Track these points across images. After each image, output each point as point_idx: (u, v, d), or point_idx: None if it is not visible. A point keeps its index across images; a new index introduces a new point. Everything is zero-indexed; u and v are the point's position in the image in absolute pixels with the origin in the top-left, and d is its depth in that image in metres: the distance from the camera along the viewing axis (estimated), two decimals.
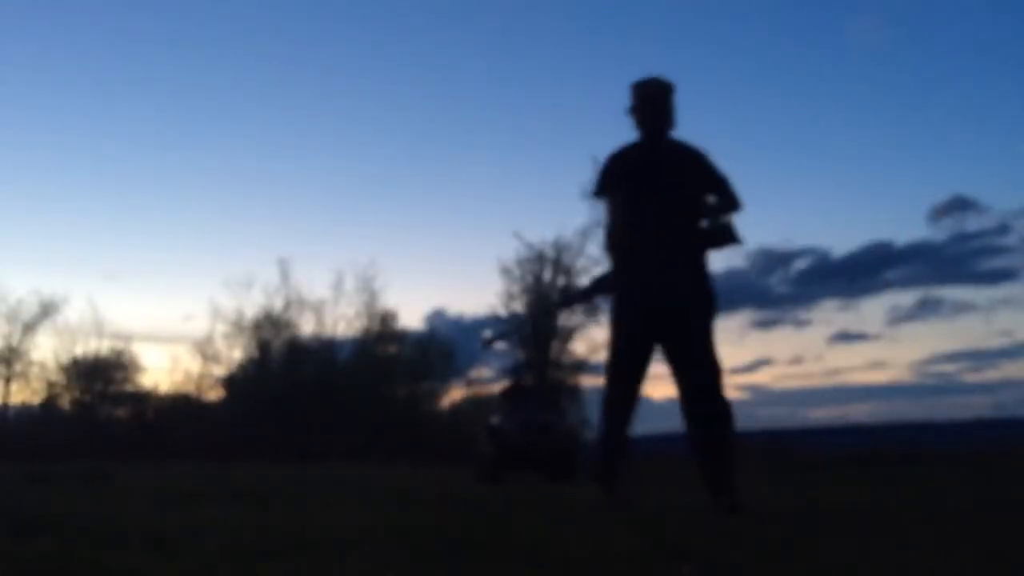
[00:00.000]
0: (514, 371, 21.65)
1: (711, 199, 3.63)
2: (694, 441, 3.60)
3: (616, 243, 3.70)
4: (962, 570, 1.90)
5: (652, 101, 3.69)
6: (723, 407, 3.56)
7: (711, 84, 43.46)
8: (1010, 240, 46.63)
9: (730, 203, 3.62)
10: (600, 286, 4.03)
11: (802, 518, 3.14)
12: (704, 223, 3.61)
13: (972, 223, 47.68)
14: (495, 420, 10.64)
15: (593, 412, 21.31)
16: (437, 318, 29.44)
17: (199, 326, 43.75)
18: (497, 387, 24.88)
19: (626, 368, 3.67)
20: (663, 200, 3.58)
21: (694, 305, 3.56)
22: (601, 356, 21.44)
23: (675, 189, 3.60)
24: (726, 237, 3.57)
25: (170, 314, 43.32)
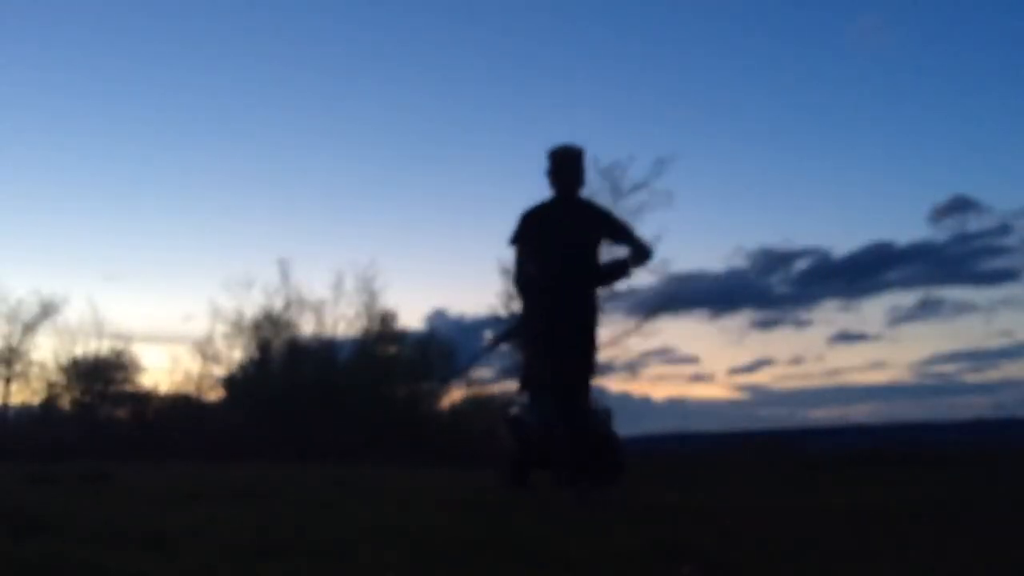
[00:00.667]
0: (515, 370, 21.42)
1: (624, 249, 4.42)
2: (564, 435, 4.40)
3: (525, 285, 4.52)
4: (962, 570, 1.90)
5: (565, 165, 4.44)
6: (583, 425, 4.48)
7: (713, 84, 43.46)
8: (1011, 240, 46.57)
9: (642, 251, 4.40)
10: (520, 325, 4.79)
11: (802, 518, 3.14)
12: (603, 261, 4.47)
13: (973, 223, 47.59)
14: (516, 410, 9.20)
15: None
16: (438, 318, 29.45)
17: (199, 326, 43.77)
18: (496, 388, 24.87)
19: (539, 384, 4.54)
20: (572, 249, 4.36)
21: (585, 351, 4.42)
22: (599, 356, 21.46)
23: (583, 240, 4.39)
24: (621, 271, 4.44)
25: (170, 314, 43.23)
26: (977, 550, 2.17)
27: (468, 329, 26.62)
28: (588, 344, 4.45)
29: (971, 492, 4.90)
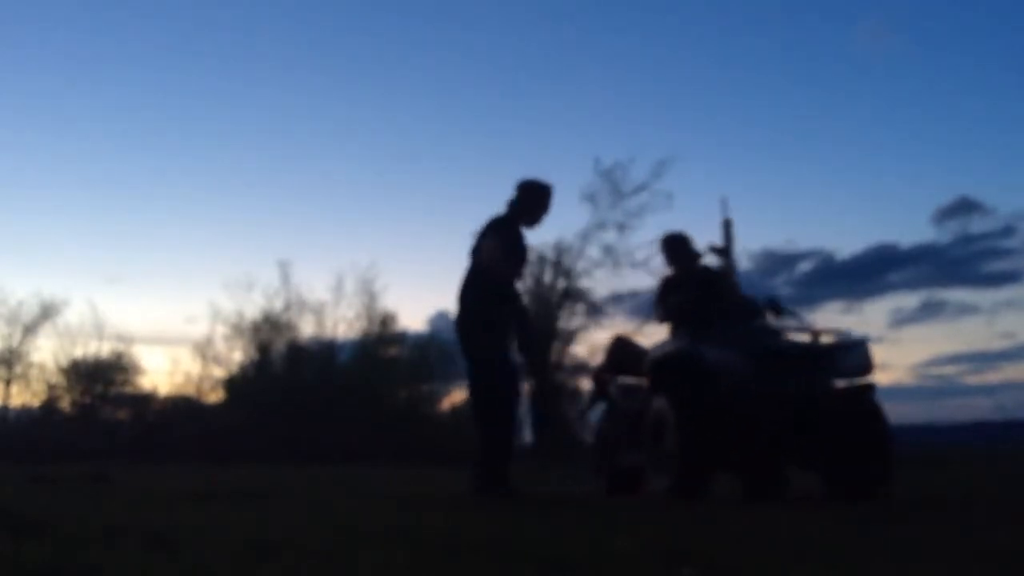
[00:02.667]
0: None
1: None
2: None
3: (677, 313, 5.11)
4: (963, 570, 1.89)
5: (685, 249, 5.37)
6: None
7: (716, 87, 43.49)
8: (1014, 242, 46.46)
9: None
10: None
11: (803, 519, 3.14)
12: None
13: (977, 225, 47.46)
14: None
15: (595, 416, 21.25)
16: (440, 320, 29.43)
17: (201, 328, 43.81)
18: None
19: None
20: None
21: None
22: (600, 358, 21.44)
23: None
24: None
25: (171, 316, 43.26)
26: (978, 551, 2.17)
27: None
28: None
29: (972, 493, 4.90)
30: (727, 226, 5.23)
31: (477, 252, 4.78)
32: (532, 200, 4.82)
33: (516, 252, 4.78)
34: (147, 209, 40.98)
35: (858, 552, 2.20)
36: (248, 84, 40.38)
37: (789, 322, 4.96)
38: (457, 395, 25.12)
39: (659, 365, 4.79)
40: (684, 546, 2.20)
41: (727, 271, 5.24)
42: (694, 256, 5.35)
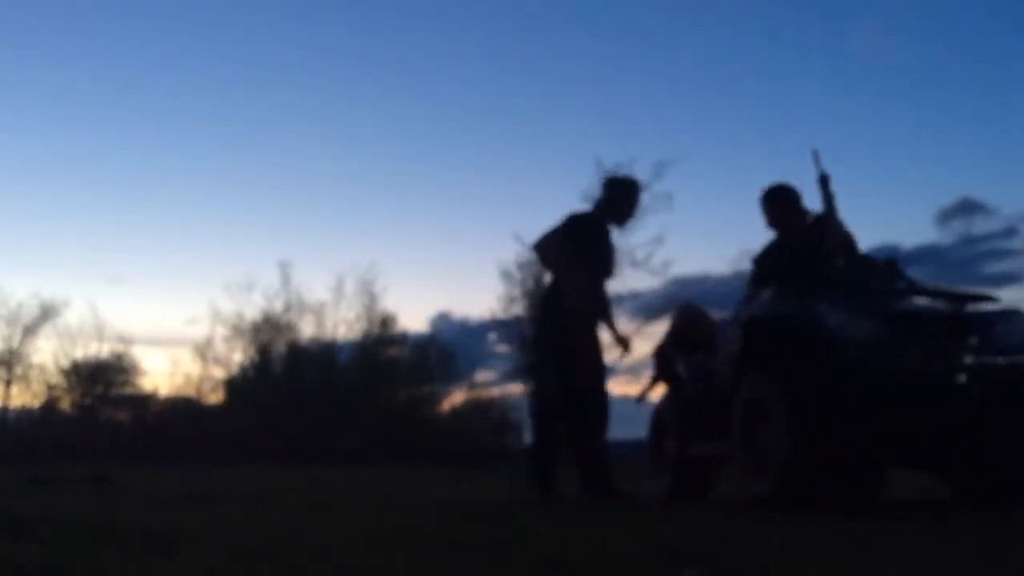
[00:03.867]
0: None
1: None
2: None
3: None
4: (963, 570, 1.89)
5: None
6: None
7: (715, 88, 43.49)
8: (1017, 243, 46.34)
9: None
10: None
11: (804, 520, 3.13)
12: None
13: (980, 226, 47.22)
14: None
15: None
16: (442, 321, 29.46)
17: (202, 329, 43.80)
18: (497, 391, 24.72)
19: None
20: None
21: None
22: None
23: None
24: None
25: (171, 317, 43.27)
26: (978, 551, 2.17)
27: (472, 332, 26.66)
28: None
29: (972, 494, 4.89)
30: (824, 182, 4.20)
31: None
32: (618, 197, 4.65)
33: (595, 250, 4.54)
34: (147, 210, 41.00)
35: (859, 553, 2.19)
36: (248, 84, 40.42)
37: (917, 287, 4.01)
38: (457, 396, 25.11)
39: (757, 330, 3.77)
40: (686, 546, 2.20)
41: (836, 230, 4.21)
42: (804, 215, 4.34)
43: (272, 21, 40.63)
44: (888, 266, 4.13)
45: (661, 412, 4.92)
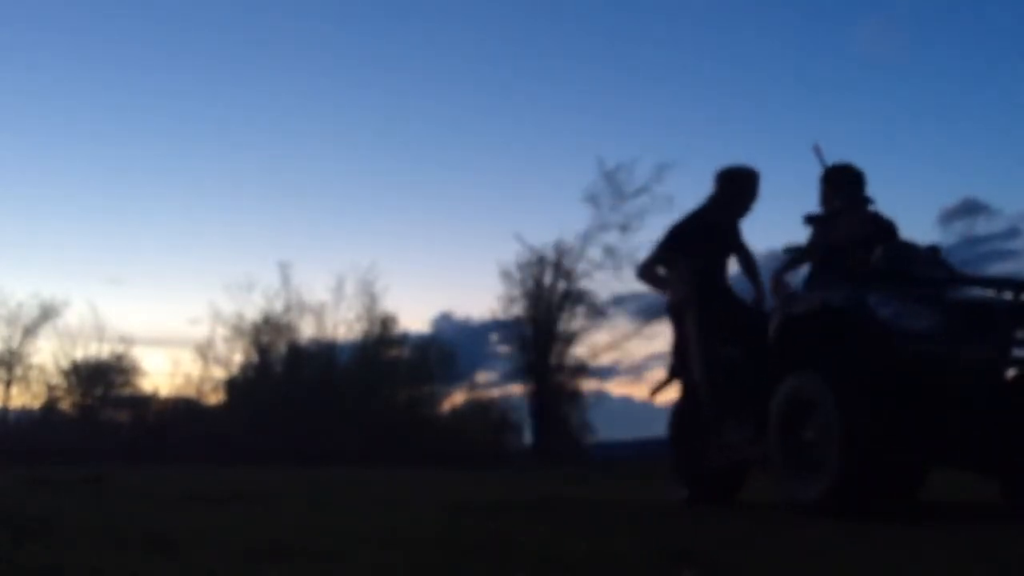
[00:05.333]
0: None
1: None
2: None
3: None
4: (963, 571, 1.89)
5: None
6: None
7: (715, 89, 43.46)
8: (1019, 244, 46.21)
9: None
10: None
11: (804, 520, 3.13)
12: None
13: (982, 227, 46.97)
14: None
15: (595, 417, 21.15)
16: (444, 321, 29.44)
17: (203, 330, 43.82)
18: (497, 391, 24.76)
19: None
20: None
21: None
22: (601, 359, 21.40)
23: None
24: None
25: (172, 318, 43.21)
26: (978, 551, 2.17)
27: (474, 332, 26.66)
28: None
29: (972, 493, 4.89)
30: (829, 177, 4.16)
31: None
32: (733, 189, 4.61)
33: (700, 249, 4.50)
34: (147, 210, 40.89)
35: (859, 553, 2.20)
36: (248, 84, 40.34)
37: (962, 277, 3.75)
38: (457, 397, 25.12)
39: (801, 323, 3.53)
40: (686, 546, 2.20)
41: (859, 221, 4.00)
42: (865, 200, 4.11)
43: (272, 21, 40.62)
44: (931, 253, 3.81)
45: (681, 410, 4.58)
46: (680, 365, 4.57)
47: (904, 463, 3.39)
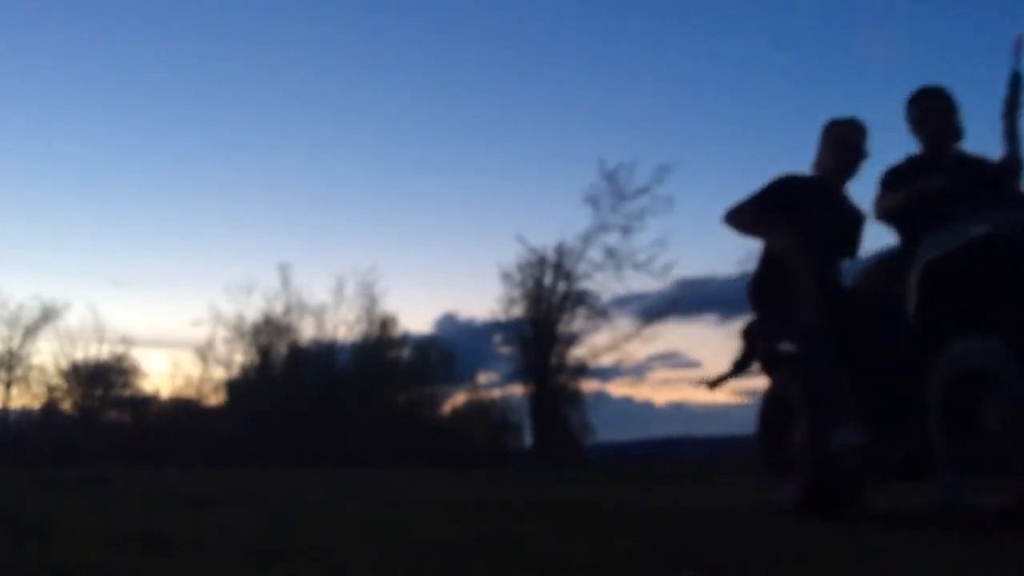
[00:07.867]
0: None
1: None
2: None
3: None
4: (963, 571, 1.89)
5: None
6: None
7: (716, 90, 43.48)
8: None
9: None
10: None
11: (804, 521, 3.13)
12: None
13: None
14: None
15: (596, 418, 21.12)
16: (447, 322, 29.43)
17: (204, 332, 43.87)
18: (497, 392, 24.77)
19: None
20: None
21: None
22: (601, 360, 21.38)
23: None
24: None
25: (172, 319, 43.21)
26: (978, 552, 2.16)
27: (477, 333, 26.65)
28: None
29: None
30: (1016, 82, 3.32)
31: None
32: (830, 147, 3.81)
33: (802, 220, 3.61)
34: (148, 212, 40.88)
35: (860, 553, 2.19)
36: (248, 85, 40.34)
37: None
38: (458, 397, 25.12)
39: (961, 264, 2.61)
40: (685, 546, 2.20)
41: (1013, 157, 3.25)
42: (958, 132, 3.49)
43: (272, 21, 40.63)
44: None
45: (779, 397, 3.69)
46: (765, 348, 3.75)
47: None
